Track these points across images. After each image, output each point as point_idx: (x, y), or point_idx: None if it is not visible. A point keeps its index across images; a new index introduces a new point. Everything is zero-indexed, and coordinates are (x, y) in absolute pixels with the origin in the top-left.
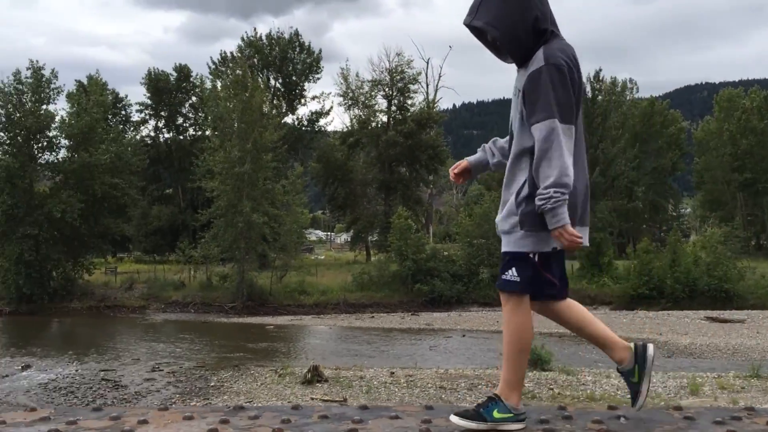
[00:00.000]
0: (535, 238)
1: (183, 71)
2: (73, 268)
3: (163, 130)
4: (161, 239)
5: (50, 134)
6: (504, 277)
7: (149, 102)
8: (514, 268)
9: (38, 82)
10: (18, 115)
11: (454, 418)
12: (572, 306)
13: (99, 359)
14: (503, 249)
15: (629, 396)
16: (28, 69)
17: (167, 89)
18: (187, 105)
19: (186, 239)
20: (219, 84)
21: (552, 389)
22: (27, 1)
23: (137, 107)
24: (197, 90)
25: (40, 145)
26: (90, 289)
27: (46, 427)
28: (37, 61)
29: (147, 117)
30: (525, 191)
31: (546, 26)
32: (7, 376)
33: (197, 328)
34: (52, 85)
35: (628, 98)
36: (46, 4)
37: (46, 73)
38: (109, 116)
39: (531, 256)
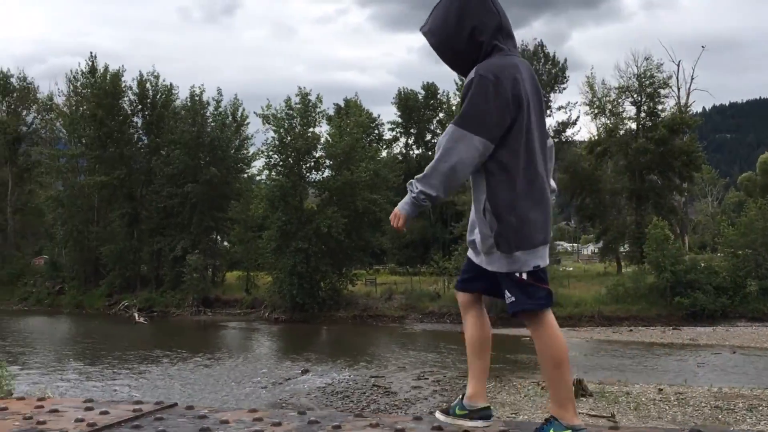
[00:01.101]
0: (514, 258)
1: (430, 89)
2: (339, 279)
3: (413, 146)
4: (413, 251)
5: (316, 155)
6: (507, 301)
7: (399, 120)
8: (507, 291)
9: (305, 107)
10: (289, 138)
11: (438, 415)
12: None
13: (368, 366)
14: (490, 269)
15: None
16: (297, 95)
17: (416, 107)
18: (434, 121)
19: (438, 252)
20: None
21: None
22: (287, 34)
23: (389, 126)
24: (444, 106)
25: (307, 165)
26: (354, 299)
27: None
28: (304, 87)
29: (398, 135)
30: (489, 211)
31: (483, 38)
32: (290, 379)
33: (454, 339)
34: (318, 109)
35: None
36: (304, 35)
37: (312, 98)
38: (364, 135)
39: (516, 275)
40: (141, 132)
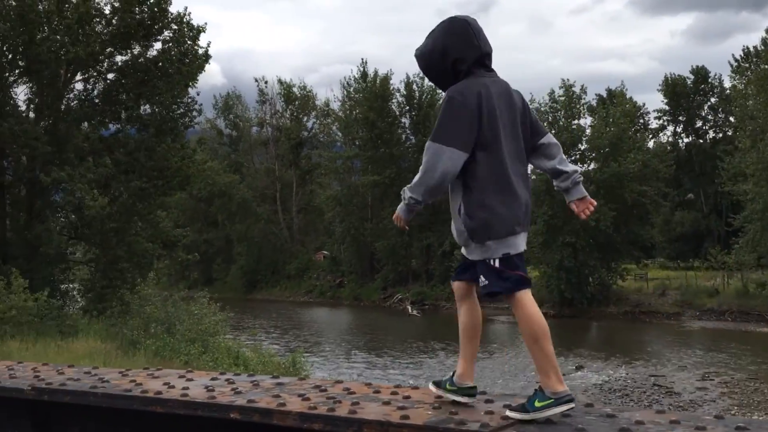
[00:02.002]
0: (486, 246)
1: (700, 73)
2: (608, 274)
3: (682, 135)
4: (684, 245)
5: (582, 147)
6: (480, 284)
7: (666, 108)
8: (482, 276)
9: (569, 99)
10: (553, 131)
11: (508, 413)
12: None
13: (645, 364)
14: (470, 258)
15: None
16: (560, 88)
17: (684, 93)
18: (705, 107)
19: (713, 245)
20: (744, 81)
21: None
22: (543, 27)
23: (655, 114)
24: (716, 90)
25: (572, 158)
26: (624, 295)
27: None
28: (567, 79)
29: (665, 123)
30: (462, 210)
31: (462, 68)
32: (564, 375)
33: (736, 338)
34: (582, 101)
35: None
36: (560, 27)
37: (576, 89)
38: (630, 125)
39: (489, 261)
40: (408, 132)
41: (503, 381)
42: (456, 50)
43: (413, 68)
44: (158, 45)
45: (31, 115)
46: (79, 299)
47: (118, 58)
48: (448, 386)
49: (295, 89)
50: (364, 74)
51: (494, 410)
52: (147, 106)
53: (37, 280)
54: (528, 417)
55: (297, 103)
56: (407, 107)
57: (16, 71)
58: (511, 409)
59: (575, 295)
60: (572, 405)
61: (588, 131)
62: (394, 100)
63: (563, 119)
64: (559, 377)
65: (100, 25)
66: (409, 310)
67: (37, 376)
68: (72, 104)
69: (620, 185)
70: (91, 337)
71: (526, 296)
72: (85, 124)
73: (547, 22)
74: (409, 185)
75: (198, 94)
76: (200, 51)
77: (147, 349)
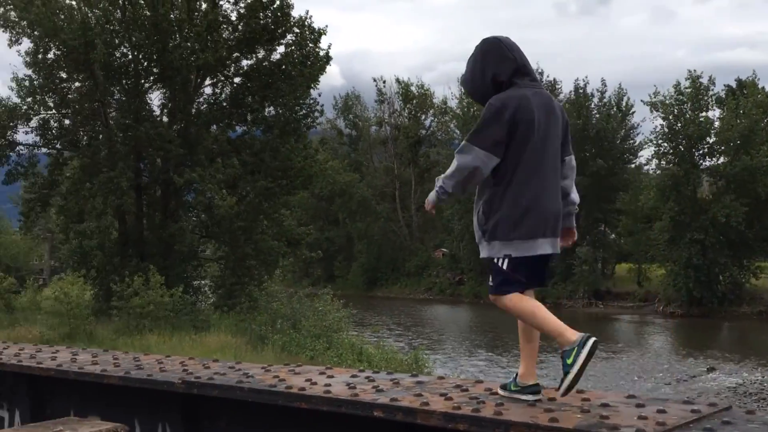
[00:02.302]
0: (492, 245)
1: None
2: (740, 272)
3: None
4: None
5: (710, 140)
6: (490, 284)
7: None
8: (490, 276)
9: (696, 91)
10: (679, 125)
11: (499, 390)
12: (526, 297)
13: None
14: (481, 256)
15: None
16: (686, 79)
17: None
18: None
19: None
20: None
21: None
22: (666, 17)
23: None
24: None
25: (700, 152)
26: (758, 294)
27: None
28: (694, 70)
29: None
30: (481, 209)
31: (501, 80)
32: (695, 377)
33: None
34: (710, 92)
35: None
36: (684, 16)
37: (704, 80)
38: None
39: (496, 261)
40: None
41: (627, 383)
42: (492, 66)
43: (531, 63)
44: (281, 48)
45: (165, 119)
46: (210, 295)
47: (244, 63)
48: (512, 387)
49: (412, 88)
50: None
51: (647, 415)
52: (271, 108)
53: (172, 276)
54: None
55: (415, 101)
56: None
57: (151, 78)
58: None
59: (705, 294)
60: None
61: (716, 124)
62: None
63: (689, 112)
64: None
65: (227, 32)
66: None
67: (186, 369)
68: (202, 108)
69: (752, 179)
70: (222, 332)
71: (520, 299)
72: (214, 126)
73: (670, 12)
74: (443, 174)
75: (319, 95)
76: (321, 53)
77: (274, 344)
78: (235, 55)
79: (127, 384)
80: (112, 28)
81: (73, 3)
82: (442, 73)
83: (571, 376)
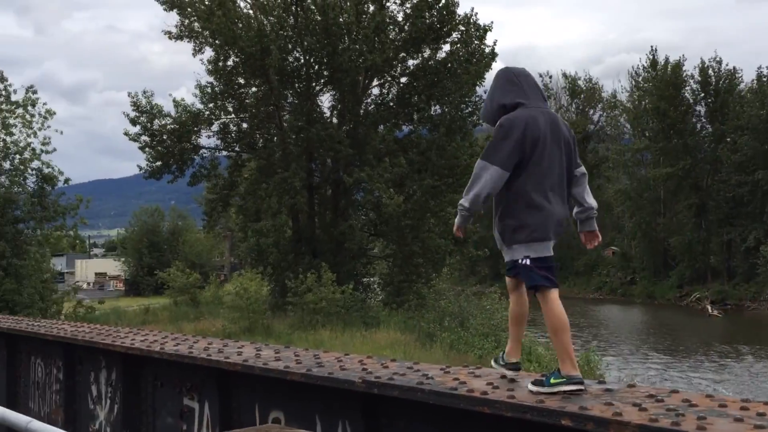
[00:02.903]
0: (513, 249)
1: None
2: None
3: None
4: None
5: None
6: (528, 284)
7: None
8: (522, 275)
9: None
10: None
11: (530, 386)
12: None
13: None
14: (505, 259)
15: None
16: None
17: None
18: None
19: None
20: None
21: None
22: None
23: None
24: None
25: None
26: None
27: None
28: None
29: None
30: (499, 219)
31: (506, 103)
32: None
33: None
34: None
35: None
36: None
37: None
38: None
39: (521, 261)
40: (704, 120)
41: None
42: (498, 94)
43: (708, 52)
44: (447, 47)
45: (335, 120)
46: (379, 292)
47: (410, 62)
48: (500, 362)
49: (580, 82)
50: (653, 62)
51: None
52: (437, 107)
53: (342, 273)
54: (545, 390)
55: (582, 96)
56: (702, 94)
57: (321, 81)
58: (533, 383)
59: None
60: (582, 387)
61: None
62: (687, 88)
63: None
64: (574, 363)
65: (393, 32)
66: (709, 310)
67: (365, 368)
68: (369, 108)
69: None
70: (391, 329)
71: (553, 294)
72: (381, 126)
73: None
74: (461, 200)
75: (485, 93)
76: (486, 50)
77: (443, 342)
78: (401, 55)
79: (308, 381)
80: (285, 34)
81: (250, 12)
82: (611, 65)
83: (543, 390)
